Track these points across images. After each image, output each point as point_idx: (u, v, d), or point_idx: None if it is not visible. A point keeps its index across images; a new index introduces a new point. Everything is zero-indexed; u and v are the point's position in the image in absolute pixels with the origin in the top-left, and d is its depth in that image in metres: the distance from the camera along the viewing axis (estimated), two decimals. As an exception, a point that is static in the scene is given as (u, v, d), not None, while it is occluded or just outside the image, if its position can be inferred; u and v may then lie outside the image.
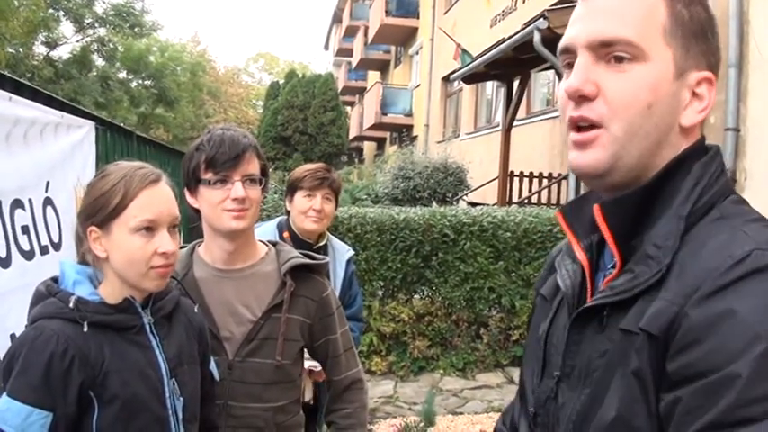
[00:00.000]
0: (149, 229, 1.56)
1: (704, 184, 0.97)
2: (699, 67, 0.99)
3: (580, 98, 0.99)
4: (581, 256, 1.08)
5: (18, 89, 2.70)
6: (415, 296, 6.98)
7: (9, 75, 2.63)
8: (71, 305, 1.51)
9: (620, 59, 0.97)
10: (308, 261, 2.04)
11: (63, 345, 1.46)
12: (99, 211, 1.57)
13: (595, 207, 1.00)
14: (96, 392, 1.50)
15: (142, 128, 16.62)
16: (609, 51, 0.98)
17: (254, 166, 1.93)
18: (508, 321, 6.86)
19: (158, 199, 1.59)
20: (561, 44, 1.05)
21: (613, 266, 1.02)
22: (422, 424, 5.03)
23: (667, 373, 0.86)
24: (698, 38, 0.99)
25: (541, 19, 8.27)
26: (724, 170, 1.02)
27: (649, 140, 0.98)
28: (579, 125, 1.01)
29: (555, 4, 11.24)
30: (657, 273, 0.92)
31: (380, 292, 6.83)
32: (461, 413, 5.68)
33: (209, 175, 1.88)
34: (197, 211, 1.96)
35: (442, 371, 6.67)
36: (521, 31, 9.19)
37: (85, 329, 1.50)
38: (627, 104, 0.97)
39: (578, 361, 1.02)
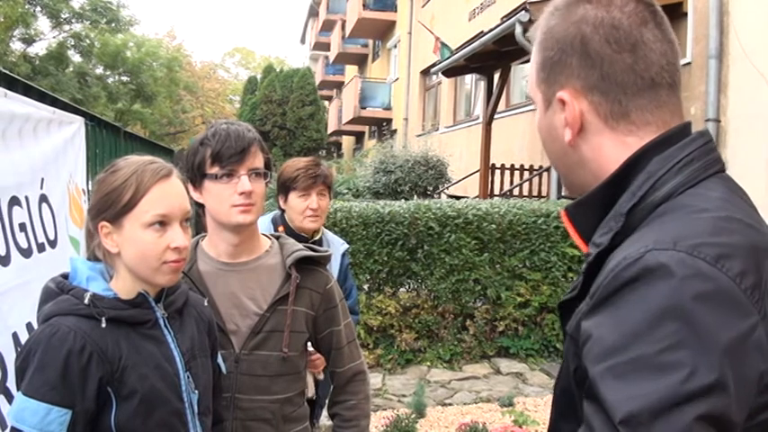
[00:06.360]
0: (162, 223, 1.55)
1: (657, 178, 0.96)
2: (563, 88, 1.07)
3: None
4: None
5: (11, 84, 2.67)
6: (402, 289, 6.99)
7: (3, 71, 2.60)
8: (86, 301, 1.50)
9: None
10: (312, 254, 2.05)
11: (80, 341, 1.46)
12: (111, 206, 1.55)
13: (562, 212, 1.11)
14: (114, 388, 1.49)
15: (119, 124, 16.47)
16: None
17: (259, 160, 1.93)
18: (494, 313, 6.90)
19: (170, 193, 1.58)
20: None
21: None
22: (413, 415, 5.06)
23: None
24: (556, 65, 1.07)
25: (523, 11, 8.33)
26: (696, 158, 0.98)
27: (558, 163, 1.15)
28: None
29: (534, -3, 11.32)
30: (582, 274, 0.99)
31: (367, 286, 6.82)
32: (450, 404, 5.72)
33: (215, 170, 1.88)
34: (201, 206, 1.96)
35: (429, 363, 6.69)
36: (501, 23, 9.23)
37: (104, 325, 1.49)
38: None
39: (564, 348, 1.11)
